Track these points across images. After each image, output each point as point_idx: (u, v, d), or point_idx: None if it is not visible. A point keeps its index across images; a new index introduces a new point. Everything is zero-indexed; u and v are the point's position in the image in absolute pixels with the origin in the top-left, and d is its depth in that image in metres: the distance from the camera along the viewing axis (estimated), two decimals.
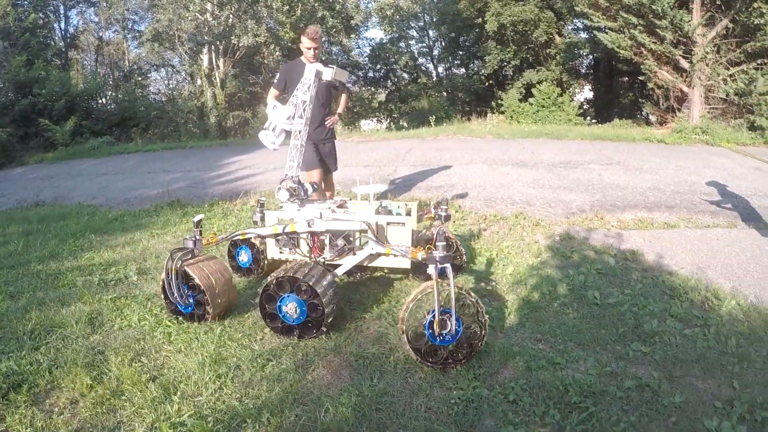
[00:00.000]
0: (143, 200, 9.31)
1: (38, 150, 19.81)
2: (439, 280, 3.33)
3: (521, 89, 24.53)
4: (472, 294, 3.45)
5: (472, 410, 2.98)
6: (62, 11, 29.76)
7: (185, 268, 4.07)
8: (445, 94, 29.50)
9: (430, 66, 33.52)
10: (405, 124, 24.43)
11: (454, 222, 6.64)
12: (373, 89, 33.85)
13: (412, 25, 31.94)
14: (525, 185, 8.21)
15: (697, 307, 4.32)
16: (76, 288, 5.22)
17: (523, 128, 15.53)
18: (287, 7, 21.75)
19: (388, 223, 4.16)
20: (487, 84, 28.67)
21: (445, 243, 3.47)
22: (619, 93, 26.19)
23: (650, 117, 20.37)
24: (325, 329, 3.78)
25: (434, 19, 30.88)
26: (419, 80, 31.06)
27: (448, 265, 3.36)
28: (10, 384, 3.46)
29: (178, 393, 3.21)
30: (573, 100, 23.93)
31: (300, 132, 4.34)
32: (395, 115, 28.68)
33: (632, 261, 5.35)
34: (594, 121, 23.37)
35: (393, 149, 12.06)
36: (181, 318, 4.25)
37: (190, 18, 20.82)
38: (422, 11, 30.93)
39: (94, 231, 7.43)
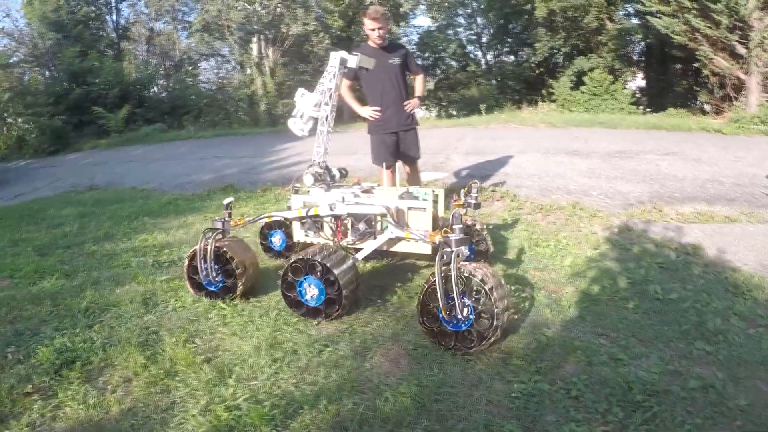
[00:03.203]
0: (196, 185, 9.40)
1: (92, 137, 20.39)
2: (451, 265, 3.38)
3: (572, 77, 23.85)
4: (490, 280, 3.39)
5: (534, 405, 2.89)
6: (113, 4, 30.26)
7: (219, 246, 4.25)
8: (494, 82, 29.06)
9: (479, 54, 33.06)
10: (454, 113, 24.21)
11: (510, 211, 6.53)
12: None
13: (460, 12, 31.53)
14: (580, 175, 8.01)
15: (762, 306, 4.11)
16: (130, 269, 5.29)
17: (574, 117, 15.17)
18: None
19: (409, 208, 4.15)
20: (537, 72, 28.11)
21: (461, 226, 3.52)
22: (672, 81, 25.34)
23: (705, 106, 19.70)
24: (346, 302, 3.85)
25: (482, 6, 30.36)
26: (468, 68, 30.68)
27: (453, 249, 3.42)
28: (63, 360, 3.52)
29: (233, 376, 3.19)
30: (625, 88, 23.29)
31: (327, 118, 4.41)
32: (444, 104, 28.40)
33: (693, 255, 5.13)
34: (648, 110, 22.69)
35: (444, 137, 11.87)
36: (205, 296, 4.40)
37: (239, 8, 20.93)
38: None
39: (147, 214, 7.53)
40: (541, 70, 27.76)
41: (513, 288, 4.39)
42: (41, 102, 22.62)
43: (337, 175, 4.54)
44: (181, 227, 6.67)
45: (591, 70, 22.65)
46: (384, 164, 6.01)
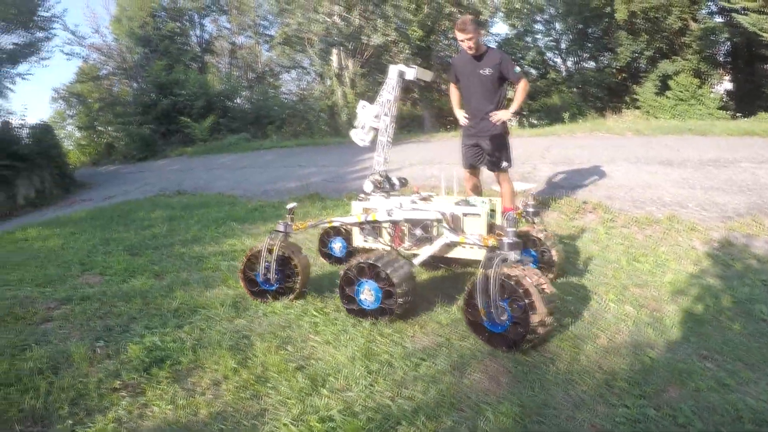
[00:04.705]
0: (281, 192, 9.54)
1: (178, 145, 21.27)
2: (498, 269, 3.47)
3: (656, 82, 22.95)
4: (529, 287, 3.40)
5: (639, 431, 2.74)
6: (197, 20, 31.51)
7: (283, 249, 4.51)
8: (575, 89, 28.31)
9: (558, 60, 32.19)
10: (534, 122, 23.71)
11: (604, 223, 6.31)
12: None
13: (538, 18, 30.89)
14: (674, 185, 7.64)
15: None
16: (219, 272, 5.39)
17: (662, 124, 14.58)
18: (414, 5, 21.66)
19: (464, 214, 4.24)
20: (619, 77, 27.19)
21: (514, 230, 3.66)
22: (761, 82, 23.94)
23: None
24: (398, 311, 3.92)
25: (560, 11, 29.63)
26: (548, 75, 30.02)
27: (500, 253, 3.58)
28: (153, 359, 3.58)
29: (327, 386, 3.15)
30: (713, 92, 22.24)
31: (386, 129, 4.71)
32: (525, 113, 27.86)
33: None
34: (738, 114, 21.54)
35: (530, 146, 11.58)
36: (260, 295, 4.60)
37: (319, 20, 21.20)
38: (547, 3, 29.75)
39: (235, 219, 7.69)
40: (624, 75, 26.82)
41: (613, 304, 4.23)
42: (130, 111, 24.03)
43: (397, 183, 4.74)
44: (268, 233, 6.74)
45: (676, 73, 21.78)
46: (464, 168, 6.11)
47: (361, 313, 4.03)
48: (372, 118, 4.78)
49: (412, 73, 4.68)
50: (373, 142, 4.89)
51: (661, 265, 5.06)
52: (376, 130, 4.83)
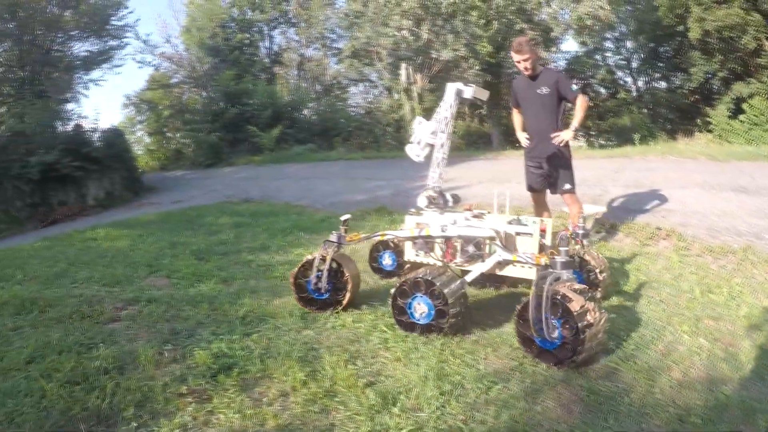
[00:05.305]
0: (348, 204, 9.57)
1: (245, 153, 21.70)
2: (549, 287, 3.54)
3: (730, 105, 22.11)
4: (580, 305, 3.48)
5: None
6: (266, 31, 32.52)
7: (336, 258, 4.64)
8: (645, 110, 27.53)
9: (629, 80, 31.43)
10: (603, 142, 23.20)
11: (678, 251, 6.11)
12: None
13: (608, 36, 30.22)
14: (749, 214, 7.34)
15: None
16: (287, 281, 5.40)
17: (736, 149, 14.01)
18: (484, 20, 21.55)
19: (516, 233, 4.31)
20: (691, 99, 26.33)
21: (567, 249, 3.77)
22: None
23: None
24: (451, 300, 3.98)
25: (631, 28, 28.93)
26: (618, 95, 29.31)
27: (553, 271, 3.66)
28: (220, 366, 3.60)
29: (398, 405, 3.11)
30: None
31: (442, 145, 4.73)
32: (593, 133, 27.28)
33: None
34: None
35: (600, 168, 11.34)
36: (311, 305, 4.68)
37: (389, 35, 21.31)
38: (618, 21, 29.08)
39: (302, 229, 7.77)
40: (696, 97, 25.99)
41: (687, 337, 4.10)
42: (198, 119, 24.81)
43: (450, 200, 4.78)
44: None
45: (750, 96, 20.96)
46: (528, 190, 6.13)
47: (427, 329, 4.04)
48: (428, 134, 4.82)
49: (469, 91, 4.71)
50: (428, 158, 4.91)
51: (736, 297, 4.86)
52: (431, 146, 4.85)
